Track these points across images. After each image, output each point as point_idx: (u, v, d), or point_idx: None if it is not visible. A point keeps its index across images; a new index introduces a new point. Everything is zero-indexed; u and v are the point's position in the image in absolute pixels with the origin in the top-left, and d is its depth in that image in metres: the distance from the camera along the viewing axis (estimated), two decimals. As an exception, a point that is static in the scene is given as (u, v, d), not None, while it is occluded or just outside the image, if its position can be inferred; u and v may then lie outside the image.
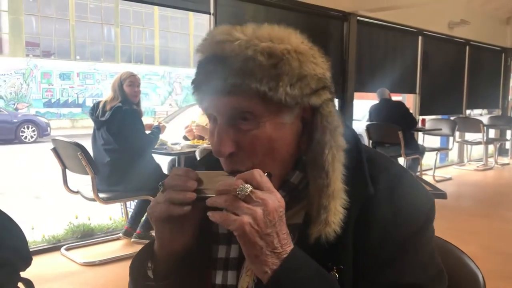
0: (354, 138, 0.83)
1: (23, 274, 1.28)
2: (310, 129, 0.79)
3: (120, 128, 3.51)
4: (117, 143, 3.52)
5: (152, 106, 22.88)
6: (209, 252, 0.85)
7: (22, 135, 13.91)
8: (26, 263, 1.25)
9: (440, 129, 6.93)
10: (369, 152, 0.85)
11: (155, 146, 3.79)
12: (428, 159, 6.99)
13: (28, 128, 14.05)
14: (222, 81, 0.73)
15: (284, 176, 0.81)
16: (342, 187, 0.76)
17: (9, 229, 1.23)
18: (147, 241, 3.25)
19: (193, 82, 0.80)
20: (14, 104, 19.13)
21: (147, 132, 3.73)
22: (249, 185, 0.68)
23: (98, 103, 3.67)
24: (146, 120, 3.78)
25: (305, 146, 0.80)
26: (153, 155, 3.80)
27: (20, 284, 1.27)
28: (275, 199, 0.70)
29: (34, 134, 14.06)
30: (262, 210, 0.68)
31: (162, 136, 3.86)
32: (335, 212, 0.75)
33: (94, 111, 3.63)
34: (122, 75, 3.65)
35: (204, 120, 4.24)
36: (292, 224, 0.77)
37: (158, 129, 3.79)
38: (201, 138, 4.12)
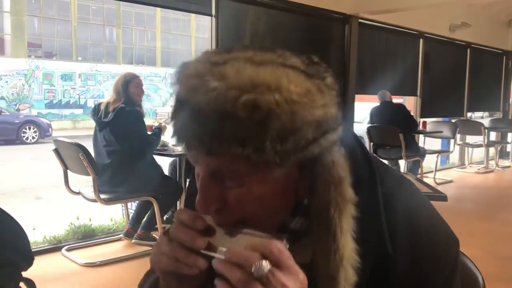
0: (370, 173, 0.72)
1: (24, 273, 1.29)
2: (309, 177, 0.67)
3: (124, 129, 3.52)
4: (120, 144, 3.53)
5: (154, 107, 22.91)
6: None
7: (24, 136, 13.93)
8: (28, 262, 1.25)
9: (441, 132, 6.94)
10: (386, 185, 0.72)
11: (157, 147, 3.80)
12: (429, 161, 7.00)
13: (29, 129, 14.08)
14: (199, 138, 0.61)
15: (282, 221, 0.71)
16: (354, 248, 0.66)
17: (11, 229, 1.24)
18: (147, 242, 3.25)
19: (170, 120, 0.67)
20: (15, 105, 19.17)
21: (149, 133, 3.74)
22: (267, 263, 0.56)
23: (99, 104, 3.67)
24: (147, 121, 3.79)
25: (303, 191, 0.68)
26: (154, 156, 3.80)
27: (21, 284, 1.28)
28: (296, 282, 0.58)
29: (36, 135, 14.09)
30: None
31: (163, 137, 3.87)
32: (347, 276, 0.65)
33: (95, 113, 3.63)
34: (126, 76, 3.65)
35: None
36: (297, 263, 0.63)
37: (159, 130, 3.80)
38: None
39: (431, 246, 0.71)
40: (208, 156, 0.62)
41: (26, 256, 1.25)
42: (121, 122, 3.50)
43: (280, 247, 0.58)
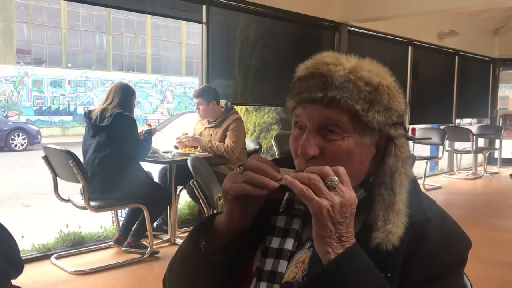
0: (412, 175, 0.93)
1: (13, 282, 1.28)
2: (381, 155, 0.90)
3: (120, 133, 3.51)
4: (114, 148, 3.51)
5: (144, 114, 22.83)
6: (259, 240, 0.93)
7: (12, 143, 13.81)
8: (18, 271, 1.25)
9: (430, 138, 7.00)
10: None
11: (149, 152, 3.79)
12: (418, 167, 7.05)
13: (18, 135, 13.95)
14: (324, 93, 0.85)
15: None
16: (405, 209, 0.85)
17: (0, 237, 1.24)
18: (137, 250, 3.26)
19: (289, 91, 0.92)
20: (4, 112, 19.00)
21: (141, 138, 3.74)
22: (337, 178, 0.77)
23: (91, 110, 3.67)
24: (138, 127, 3.78)
25: (373, 169, 0.91)
26: (144, 163, 3.79)
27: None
28: (352, 195, 0.79)
29: (25, 142, 13.96)
30: (340, 200, 0.77)
31: (153, 145, 3.86)
32: (399, 225, 0.83)
33: (89, 117, 3.62)
34: (130, 87, 3.75)
35: (198, 129, 4.27)
36: None
37: (150, 134, 3.79)
38: (193, 147, 4.13)
39: (456, 228, 0.92)
40: (327, 108, 0.85)
41: (16, 264, 1.24)
42: (118, 126, 3.50)
43: (345, 171, 0.79)
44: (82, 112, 20.72)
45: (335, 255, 0.77)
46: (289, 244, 0.90)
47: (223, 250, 0.90)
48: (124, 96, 3.63)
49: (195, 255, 0.91)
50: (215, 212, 2.95)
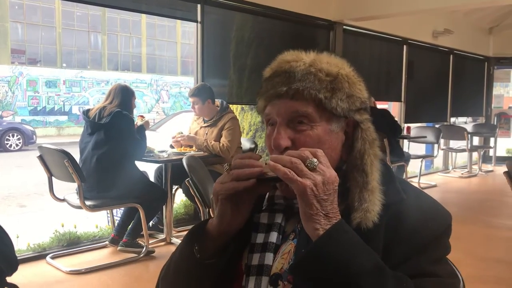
0: (382, 159, 0.99)
1: (8, 279, 1.28)
2: (351, 141, 0.96)
3: (118, 131, 3.52)
4: (112, 147, 3.50)
5: (139, 114, 22.76)
6: (247, 240, 0.96)
7: (7, 143, 13.75)
8: (13, 268, 1.25)
9: (425, 137, 7.02)
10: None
11: (145, 151, 3.78)
12: (413, 166, 7.07)
13: (13, 136, 13.89)
14: (288, 86, 0.92)
15: None
16: (379, 187, 0.90)
17: (-5, 234, 1.24)
18: (133, 249, 3.25)
19: (258, 92, 0.99)
20: (-1, 112, 18.92)
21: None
22: (316, 160, 0.82)
23: (89, 109, 3.69)
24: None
25: (345, 156, 0.96)
26: (141, 162, 3.79)
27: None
28: (333, 173, 0.83)
29: (20, 142, 13.91)
30: (322, 178, 0.81)
31: (149, 144, 3.85)
32: (375, 203, 0.88)
33: (87, 116, 3.63)
34: (129, 88, 3.79)
35: (194, 128, 4.26)
36: None
37: (143, 129, 3.78)
38: (188, 146, 4.13)
39: (433, 204, 0.95)
40: (292, 100, 0.92)
41: (11, 261, 1.24)
42: (117, 125, 3.51)
43: (323, 153, 0.84)
44: (78, 112, 20.74)
45: (323, 231, 0.80)
46: (273, 237, 0.93)
47: (218, 253, 0.92)
48: (124, 97, 3.66)
49: (189, 261, 0.92)
50: (210, 211, 2.95)
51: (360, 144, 0.94)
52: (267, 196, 1.00)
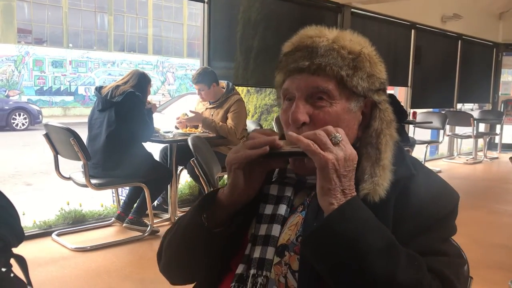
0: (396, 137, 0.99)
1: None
2: (368, 121, 0.95)
3: (129, 111, 3.52)
4: (121, 126, 3.51)
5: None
6: (254, 211, 0.96)
7: (14, 123, 13.82)
8: (18, 239, 1.26)
9: (431, 122, 6.99)
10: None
11: (151, 136, 3.80)
12: (418, 152, 7.05)
13: (19, 115, 13.96)
14: (311, 61, 0.91)
15: None
16: (390, 166, 0.90)
17: (2, 205, 1.25)
18: (138, 227, 3.27)
19: (277, 67, 0.97)
20: (5, 91, 18.98)
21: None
22: (340, 135, 0.83)
23: (102, 86, 3.71)
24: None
25: (360, 134, 0.95)
26: (146, 142, 3.80)
27: (12, 262, 1.28)
28: (353, 151, 0.84)
29: (26, 122, 13.98)
30: (343, 154, 0.82)
31: (155, 124, 3.86)
32: (385, 178, 0.88)
33: (99, 92, 3.64)
34: (147, 75, 3.84)
35: (199, 110, 4.26)
36: None
37: (150, 113, 3.79)
38: (193, 127, 4.14)
39: (442, 184, 0.96)
40: (314, 76, 0.91)
41: (17, 232, 1.26)
42: (129, 104, 3.52)
43: (343, 131, 0.85)
44: (84, 93, 20.75)
45: (339, 205, 0.81)
46: (282, 209, 0.93)
47: (226, 223, 0.93)
48: (140, 81, 3.69)
49: (197, 228, 0.93)
50: (215, 191, 2.96)
51: (377, 123, 0.94)
52: (277, 169, 1.01)
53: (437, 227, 0.89)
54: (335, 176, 0.81)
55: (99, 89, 3.68)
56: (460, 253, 0.95)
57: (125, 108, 3.52)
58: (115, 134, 3.51)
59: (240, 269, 0.92)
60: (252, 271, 0.89)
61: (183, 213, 1.01)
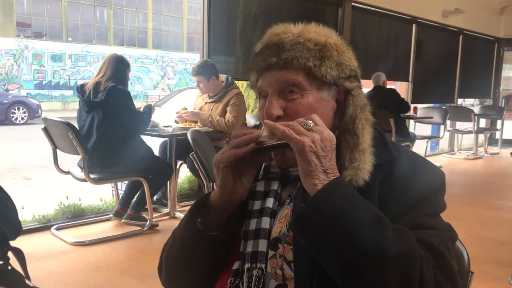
0: (374, 123, 1.00)
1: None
2: (342, 108, 0.97)
3: (117, 108, 3.45)
4: (112, 125, 3.46)
5: (144, 90, 22.75)
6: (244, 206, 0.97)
7: (13, 117, 13.80)
8: (16, 232, 1.25)
9: (432, 118, 6.97)
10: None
11: (148, 125, 3.76)
12: (419, 147, 7.04)
13: (18, 109, 13.93)
14: (278, 57, 0.94)
15: None
16: (370, 149, 0.92)
17: (0, 198, 1.24)
18: (137, 222, 3.25)
19: (251, 66, 1.01)
20: (4, 85, 18.94)
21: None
22: (311, 121, 0.85)
23: (84, 84, 3.58)
24: (137, 104, 3.75)
25: (338, 123, 0.97)
26: (145, 137, 3.78)
27: (10, 255, 1.27)
28: (330, 133, 0.86)
29: (25, 116, 13.95)
30: (319, 136, 0.84)
31: (153, 118, 3.85)
32: (365, 161, 0.90)
33: (82, 92, 3.54)
34: (125, 60, 3.64)
35: (198, 104, 4.24)
36: None
37: (149, 108, 3.76)
38: (193, 122, 4.11)
39: (426, 163, 0.97)
40: (282, 70, 0.93)
41: (15, 225, 1.24)
42: (113, 101, 3.43)
43: (317, 116, 0.87)
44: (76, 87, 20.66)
45: (323, 186, 0.82)
46: (270, 202, 0.95)
47: (221, 225, 0.93)
48: (118, 68, 3.54)
49: (193, 234, 0.93)
50: (214, 185, 2.95)
51: (351, 109, 0.96)
52: (263, 166, 1.02)
53: (424, 204, 0.90)
54: (314, 157, 0.82)
55: (81, 88, 3.56)
56: (450, 227, 0.93)
57: (111, 106, 3.43)
58: (108, 134, 3.45)
59: (236, 265, 0.92)
60: (247, 265, 0.90)
61: (188, 208, 1.00)
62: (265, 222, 0.92)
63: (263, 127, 0.92)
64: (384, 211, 0.84)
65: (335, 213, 0.79)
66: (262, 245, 0.90)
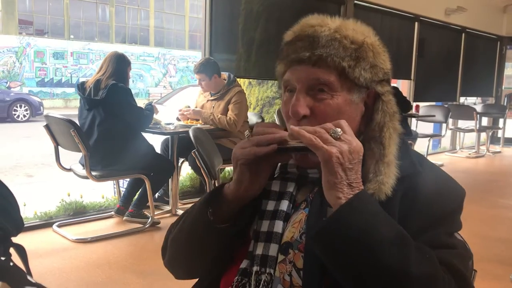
0: (400, 129, 0.96)
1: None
2: (370, 113, 0.92)
3: (118, 105, 3.45)
4: (113, 123, 3.46)
5: (146, 88, 22.74)
6: (257, 205, 0.95)
7: (15, 114, 13.81)
8: (18, 228, 1.25)
9: (434, 116, 6.96)
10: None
11: (151, 122, 3.76)
12: (421, 145, 7.02)
13: (21, 107, 13.94)
14: (311, 52, 0.88)
15: None
16: (395, 161, 0.88)
17: (1, 193, 1.24)
18: (139, 220, 3.27)
19: (278, 56, 0.94)
20: (6, 83, 18.95)
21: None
22: (340, 129, 0.80)
23: (84, 82, 3.58)
24: (139, 102, 3.75)
25: (363, 128, 0.93)
26: (147, 134, 3.78)
27: (12, 251, 1.27)
28: (358, 143, 0.82)
29: (27, 113, 13.96)
30: (348, 147, 0.79)
31: (155, 116, 3.85)
32: (390, 176, 0.86)
33: (83, 91, 3.54)
34: (126, 57, 3.64)
35: (200, 102, 4.24)
36: None
37: (151, 106, 3.76)
38: (195, 119, 4.11)
39: (448, 180, 0.95)
40: (314, 67, 0.88)
41: (17, 222, 1.24)
42: (114, 99, 3.43)
43: (347, 123, 0.82)
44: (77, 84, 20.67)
45: (346, 200, 0.78)
46: (284, 205, 0.92)
47: (231, 219, 0.92)
48: (119, 66, 3.54)
49: (202, 223, 0.91)
50: (215, 182, 2.95)
51: (380, 116, 0.91)
52: (279, 164, 0.98)
53: (444, 222, 0.88)
54: (340, 169, 0.78)
55: (81, 86, 3.56)
56: (466, 247, 0.93)
57: (112, 104, 3.43)
58: (109, 132, 3.45)
59: (244, 264, 0.91)
60: (255, 268, 0.88)
61: (189, 206, 0.99)
62: (278, 226, 0.90)
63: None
64: (404, 226, 0.82)
65: (359, 229, 0.76)
66: (273, 249, 0.88)
